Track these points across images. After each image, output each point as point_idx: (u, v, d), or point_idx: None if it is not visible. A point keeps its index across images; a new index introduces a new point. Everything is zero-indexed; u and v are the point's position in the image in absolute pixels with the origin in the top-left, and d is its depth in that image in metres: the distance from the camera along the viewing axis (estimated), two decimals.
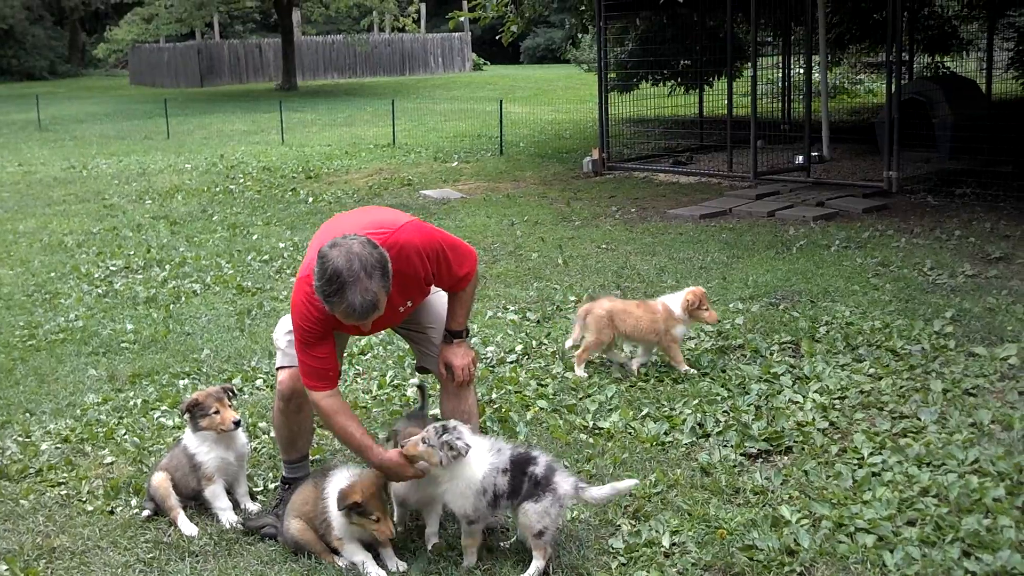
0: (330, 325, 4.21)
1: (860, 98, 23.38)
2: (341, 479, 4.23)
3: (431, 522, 4.42)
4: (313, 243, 4.41)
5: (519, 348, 6.98)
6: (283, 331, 4.62)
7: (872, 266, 8.73)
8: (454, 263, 4.44)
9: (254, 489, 5.06)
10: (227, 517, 4.70)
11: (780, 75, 17.49)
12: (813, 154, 14.10)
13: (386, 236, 4.17)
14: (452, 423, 4.13)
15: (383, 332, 7.14)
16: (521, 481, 4.05)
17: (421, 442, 4.08)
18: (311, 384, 4.29)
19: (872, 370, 6.15)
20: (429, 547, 4.35)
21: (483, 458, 4.09)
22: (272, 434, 5.61)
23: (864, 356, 6.41)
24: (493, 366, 6.72)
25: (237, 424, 4.74)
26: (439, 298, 4.77)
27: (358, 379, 6.64)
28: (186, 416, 4.83)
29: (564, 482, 4.08)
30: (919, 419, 5.38)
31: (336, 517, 4.18)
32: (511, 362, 6.76)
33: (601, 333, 6.30)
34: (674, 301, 6.31)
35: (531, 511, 4.01)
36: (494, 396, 6.13)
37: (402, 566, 4.22)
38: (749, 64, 14.71)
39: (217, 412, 4.72)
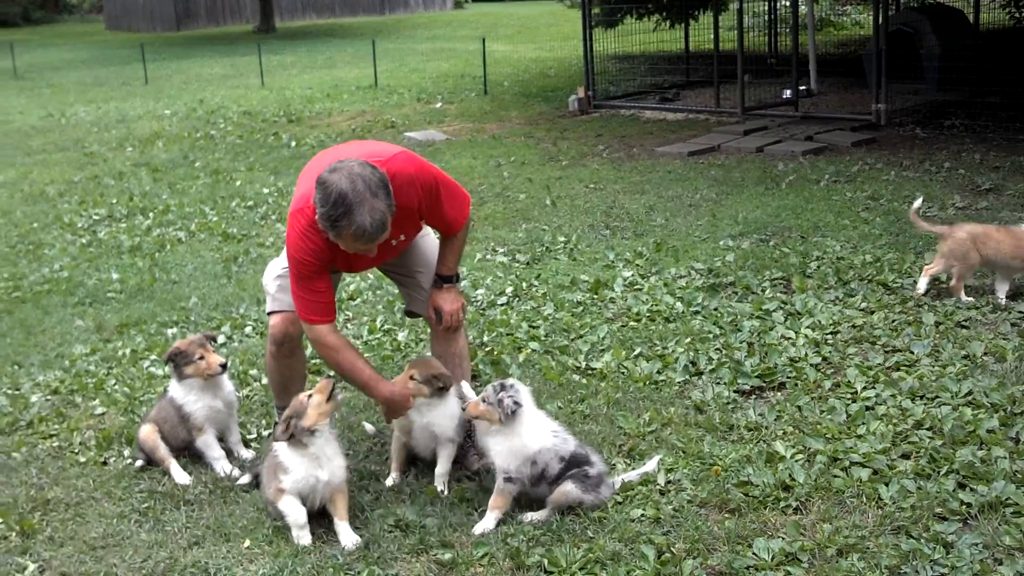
0: (327, 258, 4.14)
1: (847, 30, 23.19)
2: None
3: (443, 462, 4.41)
4: (303, 178, 4.30)
5: (509, 290, 6.94)
6: (272, 276, 4.56)
7: (862, 200, 8.70)
8: (446, 200, 4.36)
9: (247, 436, 5.04)
10: (221, 466, 4.67)
11: (766, 8, 17.28)
12: (801, 88, 13.99)
13: (379, 164, 4.06)
14: (509, 382, 4.11)
15: (371, 277, 7.12)
16: (570, 473, 4.06)
17: (482, 401, 4.08)
18: (312, 319, 4.21)
19: (864, 304, 6.14)
20: (440, 487, 4.35)
21: (543, 432, 4.08)
22: (264, 381, 5.59)
23: (856, 290, 6.40)
24: (484, 309, 6.69)
25: (224, 368, 4.68)
26: (429, 242, 4.71)
27: (348, 324, 6.60)
28: (170, 366, 4.76)
29: (606, 490, 4.11)
30: (912, 352, 5.38)
31: (280, 466, 4.03)
32: (502, 304, 6.73)
33: (967, 257, 6.20)
34: None
35: (572, 491, 4.01)
36: (486, 339, 6.10)
37: (356, 540, 3.99)
38: None
39: (202, 358, 4.65)
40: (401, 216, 4.13)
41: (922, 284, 6.28)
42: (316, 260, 4.12)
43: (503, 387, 4.07)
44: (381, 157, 4.13)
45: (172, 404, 4.73)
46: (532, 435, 4.06)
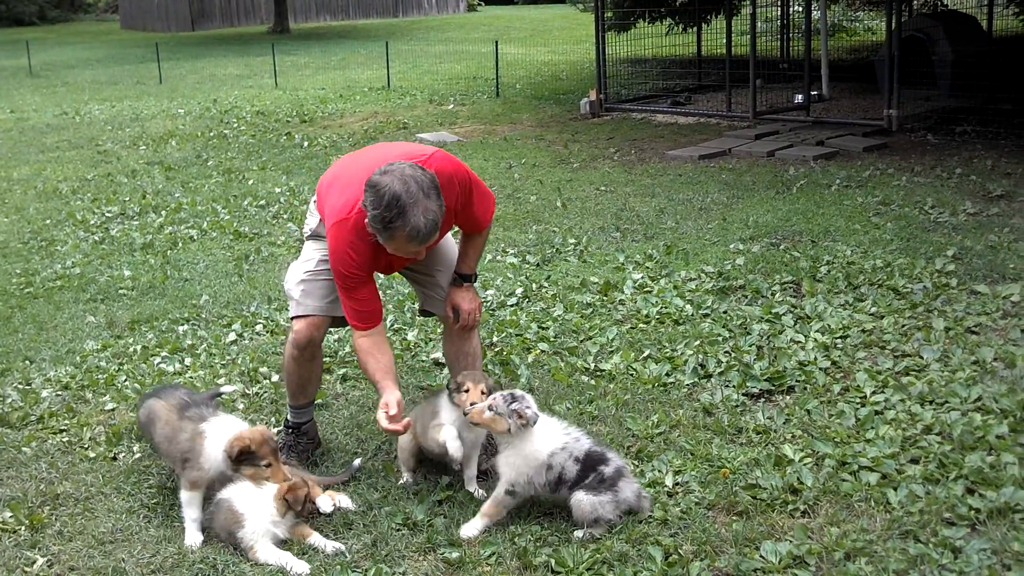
0: (371, 268, 4.19)
1: (859, 36, 23.14)
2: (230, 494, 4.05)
3: (470, 466, 4.39)
4: (337, 187, 4.31)
5: (519, 291, 6.96)
6: (295, 280, 4.54)
7: (873, 205, 8.68)
8: (477, 199, 4.40)
9: None
10: (192, 535, 4.10)
11: (779, 13, 17.27)
12: (812, 93, 13.97)
13: (421, 164, 4.08)
14: (519, 393, 4.07)
15: (380, 277, 7.12)
16: (587, 475, 3.97)
17: (487, 410, 4.03)
18: (356, 325, 4.28)
19: (874, 309, 6.13)
20: (471, 489, 4.33)
21: (553, 436, 4.02)
22: (274, 378, 5.61)
23: (866, 295, 6.38)
24: (493, 309, 6.70)
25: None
26: (448, 240, 4.73)
27: None
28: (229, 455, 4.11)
29: (628, 488, 4.00)
30: (921, 357, 5.37)
31: (242, 526, 3.95)
32: (512, 305, 6.74)
33: None
34: None
35: (585, 501, 3.92)
36: (495, 339, 6.11)
37: (338, 546, 3.95)
38: (748, 1, 14.51)
39: (269, 465, 4.09)
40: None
41: None
42: (361, 272, 4.18)
43: (514, 398, 4.01)
44: (420, 157, 4.18)
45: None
46: (543, 440, 4.02)
